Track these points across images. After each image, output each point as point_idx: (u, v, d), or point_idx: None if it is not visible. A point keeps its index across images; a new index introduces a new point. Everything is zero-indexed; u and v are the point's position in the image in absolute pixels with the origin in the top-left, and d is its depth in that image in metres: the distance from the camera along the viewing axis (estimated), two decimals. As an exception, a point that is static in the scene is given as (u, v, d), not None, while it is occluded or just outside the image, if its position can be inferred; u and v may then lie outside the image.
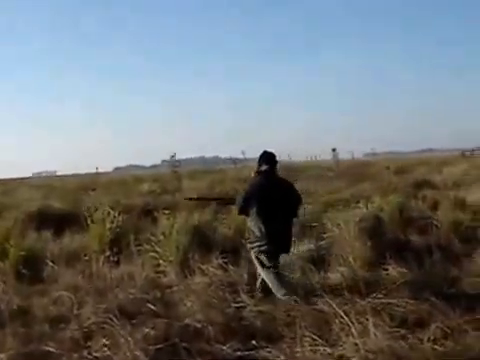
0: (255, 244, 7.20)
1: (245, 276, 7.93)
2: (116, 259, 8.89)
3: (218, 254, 8.84)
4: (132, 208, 13.72)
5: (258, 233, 7.15)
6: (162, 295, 7.43)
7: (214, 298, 7.06)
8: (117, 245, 9.45)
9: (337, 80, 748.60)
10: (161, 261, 8.75)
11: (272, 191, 7.26)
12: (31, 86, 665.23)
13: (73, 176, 35.19)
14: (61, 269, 8.80)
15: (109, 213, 9.86)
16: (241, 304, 7.01)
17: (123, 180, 29.56)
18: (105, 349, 5.68)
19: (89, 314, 6.62)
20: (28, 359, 5.77)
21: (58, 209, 15.60)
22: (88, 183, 27.13)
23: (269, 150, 7.60)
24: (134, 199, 17.68)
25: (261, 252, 7.14)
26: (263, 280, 7.22)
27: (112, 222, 9.74)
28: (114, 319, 6.15)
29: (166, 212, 10.16)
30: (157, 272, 8.68)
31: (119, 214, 10.06)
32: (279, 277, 7.12)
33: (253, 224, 7.23)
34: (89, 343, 5.98)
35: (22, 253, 9.21)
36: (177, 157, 22.17)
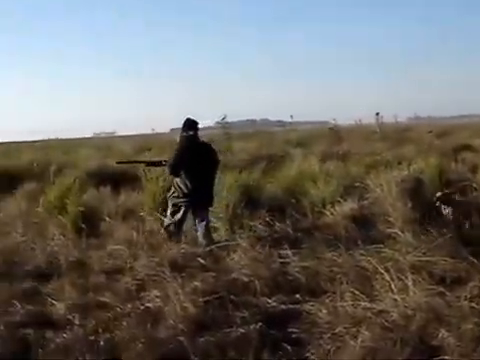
0: (181, 199, 8.25)
1: None
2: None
3: (265, 212, 9.12)
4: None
5: (185, 189, 8.20)
6: (211, 250, 7.71)
7: (260, 253, 7.29)
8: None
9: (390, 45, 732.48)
10: (211, 218, 9.00)
11: (197, 153, 8.33)
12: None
13: (131, 137, 35.55)
14: (117, 224, 9.15)
15: (163, 171, 10.10)
16: (286, 259, 7.23)
17: (174, 141, 29.65)
18: (157, 300, 5.95)
19: (142, 267, 6.97)
20: (85, 308, 6.06)
21: (115, 168, 16.02)
22: (145, 143, 27.44)
23: (191, 117, 8.60)
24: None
25: (184, 206, 8.25)
26: (169, 225, 8.37)
27: (165, 180, 9.99)
28: (166, 272, 6.48)
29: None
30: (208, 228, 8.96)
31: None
32: (181, 227, 8.34)
33: (180, 181, 8.26)
34: (142, 294, 6.28)
35: (81, 209, 9.60)
36: (228, 119, 22.20)
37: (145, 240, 8.16)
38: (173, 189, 8.46)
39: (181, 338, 5.17)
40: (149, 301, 6.03)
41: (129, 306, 6.00)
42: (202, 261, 7.13)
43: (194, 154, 8.30)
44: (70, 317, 5.87)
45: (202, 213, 8.33)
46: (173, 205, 8.35)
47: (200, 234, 8.21)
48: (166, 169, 8.70)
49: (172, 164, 8.34)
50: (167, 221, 8.44)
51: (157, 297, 6.03)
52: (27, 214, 10.72)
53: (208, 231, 8.31)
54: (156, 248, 7.69)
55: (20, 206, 11.78)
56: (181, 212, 8.29)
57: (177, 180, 8.34)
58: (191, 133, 8.46)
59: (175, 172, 8.33)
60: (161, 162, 9.06)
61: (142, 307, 5.92)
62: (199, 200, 8.24)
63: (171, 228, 8.33)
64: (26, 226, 9.60)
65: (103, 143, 31.62)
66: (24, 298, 6.52)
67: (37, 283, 7.14)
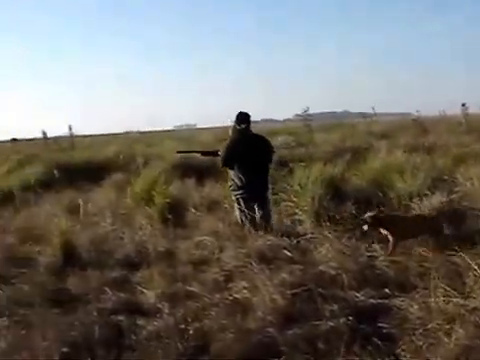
0: (237, 192, 8.51)
1: None
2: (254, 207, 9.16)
3: (351, 204, 9.04)
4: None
5: (238, 182, 8.47)
6: (298, 242, 7.67)
7: (347, 247, 7.22)
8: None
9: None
10: (297, 210, 8.98)
11: (249, 145, 8.53)
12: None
13: (210, 129, 35.69)
14: (203, 216, 9.23)
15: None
16: (373, 253, 7.17)
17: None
18: (244, 291, 5.97)
19: (229, 258, 7.04)
20: (174, 297, 6.16)
21: (200, 160, 16.16)
22: (224, 135, 27.51)
23: (244, 111, 8.78)
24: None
25: (241, 198, 8.45)
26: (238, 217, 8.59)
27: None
28: (253, 263, 6.50)
29: (302, 164, 10.33)
30: (293, 221, 8.96)
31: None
32: (245, 216, 8.34)
33: (234, 174, 8.54)
34: (229, 285, 6.34)
35: (167, 200, 9.76)
36: (309, 111, 21.97)
37: (231, 231, 8.18)
38: (229, 182, 8.77)
39: (270, 330, 5.20)
40: (237, 292, 6.06)
41: (217, 296, 6.05)
42: (289, 253, 7.11)
43: (246, 147, 8.52)
44: (160, 305, 5.98)
45: (259, 203, 8.50)
46: (236, 201, 8.63)
47: (258, 221, 8.34)
48: (219, 162, 8.91)
49: (224, 157, 8.64)
50: (237, 215, 8.61)
51: (245, 288, 6.05)
52: (115, 204, 10.95)
53: (267, 220, 8.40)
54: (242, 239, 7.70)
55: (108, 197, 12.05)
56: (240, 204, 8.51)
57: (231, 173, 8.65)
58: (243, 126, 8.63)
59: (227, 164, 8.67)
60: (217, 152, 9.18)
61: (230, 298, 5.97)
62: (253, 192, 8.43)
63: (243, 220, 8.44)
64: (114, 216, 9.81)
65: (185, 135, 31.89)
66: (115, 286, 6.72)
67: (127, 271, 7.34)
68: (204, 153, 10.09)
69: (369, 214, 7.61)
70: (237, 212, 8.59)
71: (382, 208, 8.70)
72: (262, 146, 8.79)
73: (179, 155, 13.82)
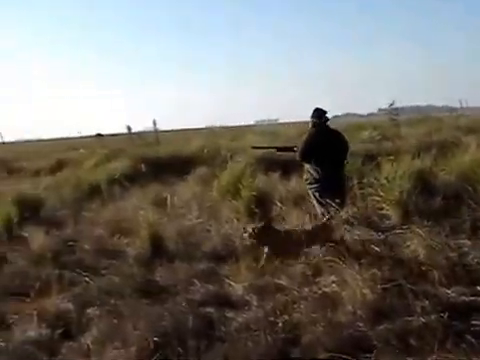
0: (313, 185, 8.55)
1: None
2: (340, 202, 9.08)
3: (440, 199, 8.84)
4: (354, 154, 13.77)
5: (316, 175, 8.51)
6: (386, 237, 7.56)
7: (437, 242, 7.04)
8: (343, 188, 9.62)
9: None
10: (384, 205, 8.86)
11: (325, 141, 8.54)
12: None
13: (293, 123, 35.59)
14: (289, 209, 9.20)
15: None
16: (464, 249, 7.00)
17: (342, 128, 29.43)
18: (333, 285, 5.94)
19: (318, 251, 7.01)
20: (262, 290, 6.20)
21: (285, 154, 16.12)
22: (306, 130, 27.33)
23: (320, 107, 8.78)
24: (356, 145, 17.80)
25: (317, 191, 8.48)
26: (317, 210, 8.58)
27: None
28: (341, 258, 6.44)
29: (389, 158, 10.15)
30: (380, 215, 8.82)
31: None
32: (324, 209, 8.22)
33: (311, 167, 8.60)
34: (318, 279, 6.33)
35: (253, 193, 9.78)
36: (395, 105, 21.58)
37: (317, 224, 8.11)
38: (305, 175, 8.82)
39: (360, 324, 5.15)
40: (325, 286, 6.04)
41: (306, 290, 6.05)
42: (377, 248, 7.00)
43: (322, 141, 8.55)
44: (248, 298, 6.04)
45: (335, 197, 8.19)
46: (312, 194, 8.67)
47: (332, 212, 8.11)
48: (296, 156, 8.90)
49: (301, 151, 8.69)
50: (317, 208, 8.62)
51: (333, 282, 6.02)
52: (200, 197, 11.04)
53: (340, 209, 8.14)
54: (329, 233, 7.64)
55: (193, 190, 12.16)
56: (316, 197, 8.55)
57: (308, 167, 8.70)
58: (320, 121, 8.71)
59: (304, 159, 8.71)
60: (292, 148, 9.28)
61: (319, 291, 5.94)
62: (329, 186, 8.37)
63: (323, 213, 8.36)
64: (200, 209, 9.89)
65: (268, 129, 31.93)
66: (203, 278, 6.81)
67: (214, 264, 7.41)
68: (280, 149, 10.17)
69: (251, 226, 7.58)
70: (316, 206, 8.63)
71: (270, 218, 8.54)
72: (338, 141, 8.83)
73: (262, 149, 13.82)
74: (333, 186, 8.36)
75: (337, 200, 8.00)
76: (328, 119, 8.77)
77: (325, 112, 8.77)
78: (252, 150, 14.07)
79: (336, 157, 8.65)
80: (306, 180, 8.78)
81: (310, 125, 8.88)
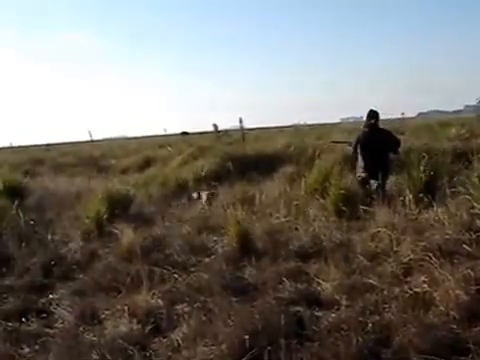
0: (359, 173, 10.59)
1: None
2: (430, 200, 8.91)
3: None
4: (442, 152, 13.45)
5: (362, 166, 10.51)
6: (477, 237, 7.33)
7: None
8: (431, 187, 9.48)
9: None
10: (475, 204, 8.60)
11: (372, 137, 10.48)
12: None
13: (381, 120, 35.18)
14: (378, 208, 9.09)
15: (423, 156, 9.92)
16: None
17: (428, 125, 28.85)
18: (424, 286, 5.83)
19: (407, 251, 6.83)
20: (351, 290, 6.14)
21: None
22: (396, 127, 27.04)
23: (373, 108, 10.77)
24: (443, 143, 17.42)
25: (361, 178, 10.50)
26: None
27: (426, 165, 9.75)
28: (432, 257, 6.32)
29: (480, 156, 9.81)
30: (470, 214, 8.57)
31: (431, 158, 10.03)
32: (365, 190, 10.33)
33: (361, 158, 10.58)
34: (408, 278, 6.23)
35: (341, 191, 9.66)
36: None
37: (408, 223, 7.98)
38: (357, 166, 10.74)
39: (454, 326, 5.05)
40: (416, 286, 5.93)
41: (396, 290, 5.96)
42: (468, 248, 6.81)
43: (369, 138, 10.49)
44: (337, 297, 5.98)
45: (376, 180, 10.13)
46: (357, 178, 10.69)
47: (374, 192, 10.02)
48: (350, 149, 11.05)
49: (354, 145, 10.77)
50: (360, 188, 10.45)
51: (424, 282, 5.91)
52: (288, 196, 11.01)
53: (382, 193, 9.75)
54: (420, 232, 7.50)
55: (280, 188, 12.14)
56: (360, 183, 10.50)
57: (359, 158, 10.60)
58: (372, 121, 10.60)
59: (354, 151, 10.73)
60: (349, 142, 11.40)
61: (410, 291, 5.84)
62: (371, 173, 10.27)
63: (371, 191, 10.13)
64: (288, 207, 9.85)
65: (353, 127, 31.69)
66: (291, 276, 6.79)
67: (302, 262, 7.38)
68: (337, 142, 12.90)
69: None
70: (360, 187, 10.46)
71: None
72: (383, 138, 10.54)
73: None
74: (374, 173, 10.12)
75: (379, 181, 9.99)
76: (378, 119, 10.65)
77: (376, 113, 10.68)
78: (339, 148, 14.10)
79: (379, 151, 10.35)
80: (357, 169, 10.72)
81: (363, 125, 11.04)
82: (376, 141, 10.35)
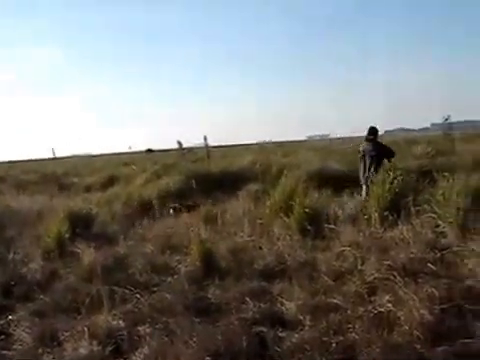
0: (361, 180, 12.32)
1: None
2: (395, 219, 8.93)
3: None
4: (407, 170, 13.54)
5: (362, 174, 12.29)
6: (442, 256, 7.36)
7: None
8: (396, 205, 9.48)
9: None
10: (440, 222, 8.63)
11: (370, 151, 12.26)
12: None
13: (346, 139, 35.51)
14: (342, 227, 9.05)
15: (389, 174, 9.95)
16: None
17: (394, 142, 29.21)
18: (389, 305, 5.77)
19: (372, 270, 6.78)
20: (315, 309, 6.05)
21: (335, 170, 16.04)
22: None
23: (372, 125, 12.62)
24: (408, 161, 17.54)
25: (364, 184, 12.13)
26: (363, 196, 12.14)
27: (391, 183, 9.76)
28: (396, 276, 6.30)
29: (445, 174, 9.88)
30: (435, 233, 8.59)
31: (396, 176, 10.04)
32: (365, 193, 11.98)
33: (361, 170, 12.40)
34: (373, 298, 6.16)
35: (306, 210, 9.58)
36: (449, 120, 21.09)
37: (372, 243, 7.96)
38: (360, 167, 12.50)
39: (418, 346, 5.01)
40: (380, 305, 5.88)
41: (361, 309, 5.89)
42: (433, 267, 6.81)
43: (368, 151, 12.28)
44: (301, 317, 5.92)
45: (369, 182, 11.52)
46: (362, 184, 12.29)
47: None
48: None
49: (360, 155, 12.49)
50: (363, 195, 12.12)
51: (389, 302, 5.87)
52: (252, 214, 10.94)
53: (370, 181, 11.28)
54: (384, 251, 7.50)
55: (244, 206, 12.07)
56: (363, 189, 12.21)
57: (360, 168, 12.42)
58: (371, 137, 12.47)
59: (361, 158, 12.43)
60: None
61: (374, 311, 5.79)
62: (366, 179, 11.99)
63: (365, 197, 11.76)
64: (252, 226, 9.79)
65: (320, 145, 31.91)
66: (255, 296, 6.67)
67: (266, 282, 7.28)
68: None
69: None
70: (363, 193, 12.10)
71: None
72: (379, 151, 12.25)
73: (315, 165, 14.52)
74: (369, 179, 11.58)
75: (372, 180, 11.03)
76: (376, 135, 12.58)
77: (375, 129, 12.59)
78: (304, 166, 14.28)
79: (375, 162, 12.05)
80: (360, 178, 12.40)
81: (364, 138, 12.69)
82: (373, 154, 12.18)
